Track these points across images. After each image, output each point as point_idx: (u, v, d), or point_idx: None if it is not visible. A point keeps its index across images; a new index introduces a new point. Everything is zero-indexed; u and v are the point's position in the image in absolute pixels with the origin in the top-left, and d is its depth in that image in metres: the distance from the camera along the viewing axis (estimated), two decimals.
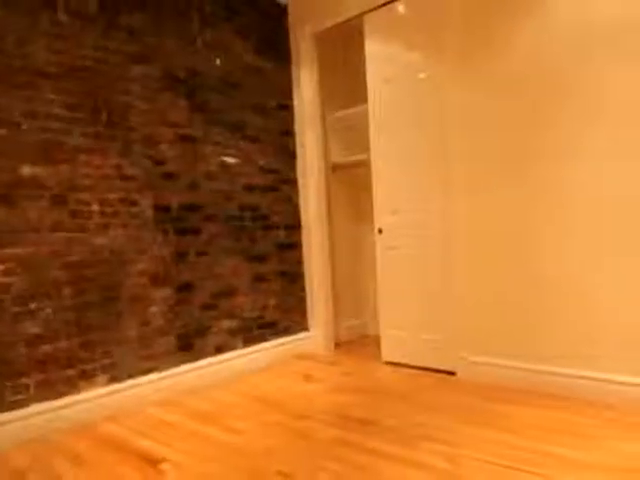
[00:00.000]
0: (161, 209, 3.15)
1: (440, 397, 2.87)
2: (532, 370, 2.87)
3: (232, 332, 3.56)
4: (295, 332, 4.08)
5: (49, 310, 2.61)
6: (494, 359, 3.05)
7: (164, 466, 2.12)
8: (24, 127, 2.57)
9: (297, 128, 4.14)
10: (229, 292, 3.56)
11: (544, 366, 2.83)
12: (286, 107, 4.09)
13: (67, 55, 2.74)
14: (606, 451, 2.02)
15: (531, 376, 2.88)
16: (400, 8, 3.41)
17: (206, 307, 3.41)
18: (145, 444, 2.37)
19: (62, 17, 2.72)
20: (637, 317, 2.46)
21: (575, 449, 2.05)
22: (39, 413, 2.54)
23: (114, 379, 2.89)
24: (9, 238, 2.49)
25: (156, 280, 3.11)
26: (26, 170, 2.56)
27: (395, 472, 1.96)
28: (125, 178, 2.98)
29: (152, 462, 2.16)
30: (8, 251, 2.49)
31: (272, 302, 3.88)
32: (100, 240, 2.85)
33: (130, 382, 2.94)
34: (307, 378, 3.39)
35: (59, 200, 2.68)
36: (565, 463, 1.93)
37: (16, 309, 2.50)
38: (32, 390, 2.55)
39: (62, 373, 2.66)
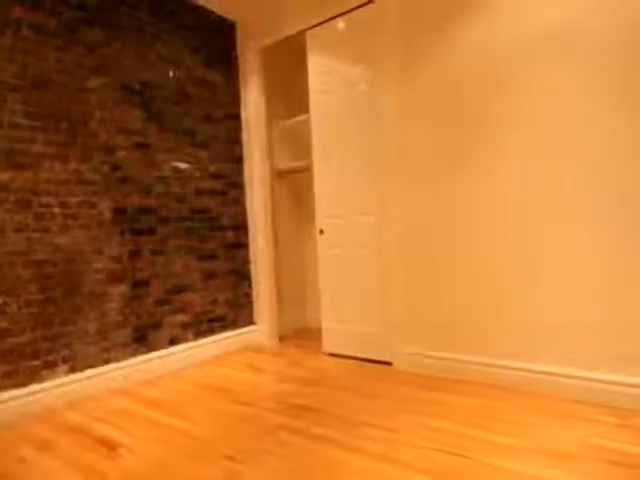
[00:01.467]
0: (118, 211, 3.32)
1: (378, 386, 2.95)
2: (462, 360, 2.99)
3: (184, 325, 3.75)
4: (242, 326, 4.31)
5: (14, 306, 2.74)
6: (427, 351, 3.18)
7: (121, 450, 2.20)
8: None
9: (244, 136, 4.37)
10: (181, 288, 3.76)
11: (473, 357, 2.95)
12: (234, 117, 4.31)
13: (30, 68, 2.88)
14: (529, 436, 2.10)
15: (461, 366, 3.00)
16: (340, 24, 3.65)
17: (160, 302, 3.59)
18: (104, 430, 2.46)
19: (25, 32, 2.85)
20: (557, 312, 2.61)
21: (500, 434, 2.14)
22: (5, 401, 2.67)
23: (75, 369, 3.04)
24: None
25: (113, 277, 3.28)
26: None
27: (336, 456, 2.03)
28: (84, 182, 3.13)
29: (110, 446, 2.25)
30: None
31: (221, 298, 4.09)
32: (61, 240, 2.99)
33: (90, 372, 3.10)
34: (254, 368, 3.51)
35: (23, 203, 2.81)
36: (491, 447, 2.02)
37: None
38: None
39: (26, 364, 2.80)
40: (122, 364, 3.29)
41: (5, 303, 2.71)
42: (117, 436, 2.37)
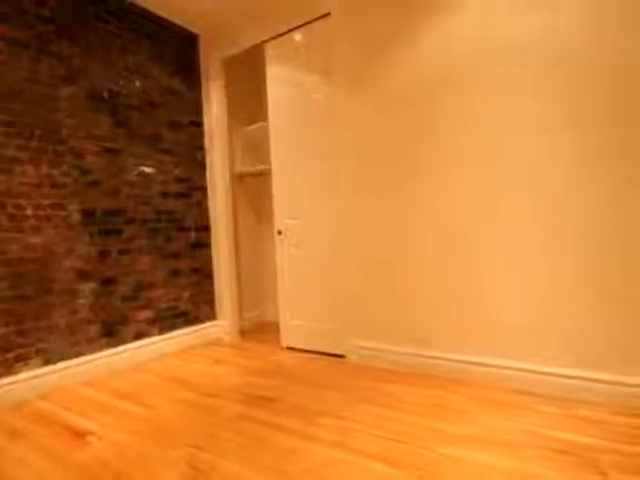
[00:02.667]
0: (87, 213, 3.46)
1: (333, 378, 3.04)
2: (413, 354, 3.10)
3: (149, 321, 3.92)
4: (205, 321, 4.50)
5: None
6: (379, 344, 3.30)
7: (90, 438, 2.28)
8: None
9: (207, 142, 4.54)
10: (147, 286, 3.93)
11: (424, 350, 3.06)
12: (197, 123, 4.49)
13: (4, 78, 3.00)
14: (478, 426, 2.15)
15: (412, 359, 3.10)
16: (297, 37, 3.85)
17: (127, 299, 3.75)
18: (74, 419, 2.55)
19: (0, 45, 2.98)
20: (501, 310, 2.73)
21: (451, 424, 2.20)
22: None
23: (47, 362, 3.17)
24: None
25: (83, 275, 3.42)
26: None
27: (293, 444, 2.10)
28: (56, 186, 3.26)
29: (80, 435, 2.33)
30: None
31: (185, 295, 4.27)
32: (34, 240, 3.12)
33: (61, 365, 3.24)
34: (215, 361, 3.63)
35: None
36: (442, 436, 2.07)
37: None
38: None
39: (0, 357, 2.92)
40: (91, 357, 3.43)
41: None
42: (86, 425, 2.46)
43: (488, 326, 2.81)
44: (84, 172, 3.47)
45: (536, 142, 2.62)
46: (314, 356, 3.68)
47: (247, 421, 2.39)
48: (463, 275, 2.91)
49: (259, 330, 4.80)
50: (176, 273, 4.19)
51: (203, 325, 4.45)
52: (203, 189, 4.54)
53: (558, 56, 2.56)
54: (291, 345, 4.00)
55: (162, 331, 4.02)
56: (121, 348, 3.66)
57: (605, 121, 2.43)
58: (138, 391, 3.01)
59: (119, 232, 3.69)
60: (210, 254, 4.57)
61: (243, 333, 4.68)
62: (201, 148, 4.53)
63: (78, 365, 3.34)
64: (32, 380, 3.05)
